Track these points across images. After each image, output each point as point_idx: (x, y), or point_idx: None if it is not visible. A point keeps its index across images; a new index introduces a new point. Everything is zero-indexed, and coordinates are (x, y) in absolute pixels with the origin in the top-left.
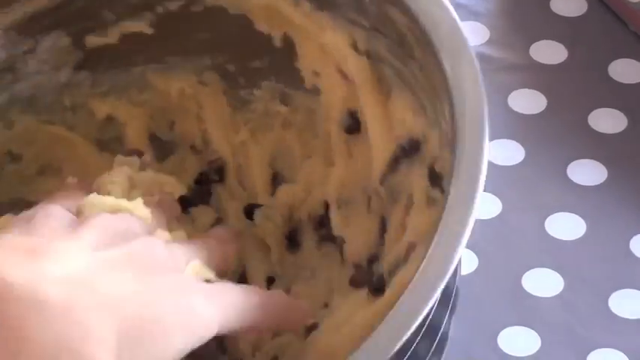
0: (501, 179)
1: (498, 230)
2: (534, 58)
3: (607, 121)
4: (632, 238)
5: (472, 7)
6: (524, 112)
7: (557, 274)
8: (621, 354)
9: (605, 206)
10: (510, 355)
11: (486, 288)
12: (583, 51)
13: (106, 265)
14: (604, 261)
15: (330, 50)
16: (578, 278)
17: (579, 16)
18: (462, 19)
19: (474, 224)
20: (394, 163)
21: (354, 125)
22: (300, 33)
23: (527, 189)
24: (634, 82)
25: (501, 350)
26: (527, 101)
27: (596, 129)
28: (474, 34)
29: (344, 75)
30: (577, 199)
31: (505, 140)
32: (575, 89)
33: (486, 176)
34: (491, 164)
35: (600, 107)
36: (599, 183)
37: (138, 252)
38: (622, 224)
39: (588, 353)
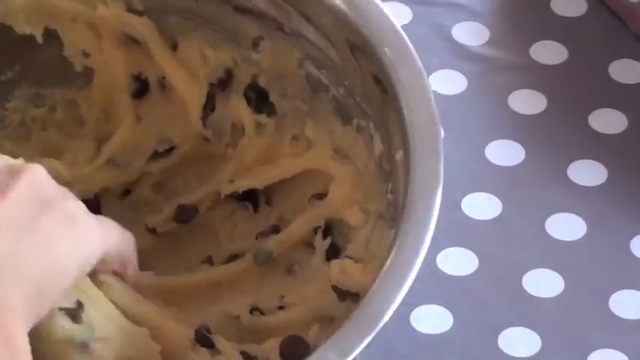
0: (501, 180)
1: (498, 231)
2: (534, 59)
3: (607, 121)
4: (632, 238)
5: (472, 8)
6: (525, 113)
7: (558, 275)
8: (622, 354)
9: (606, 207)
10: (511, 356)
11: (486, 288)
12: (583, 51)
13: None
14: (604, 261)
15: (103, 25)
16: (579, 279)
17: (579, 17)
18: (462, 20)
19: (476, 224)
20: (211, 102)
21: (141, 88)
22: (64, 20)
23: (527, 189)
24: (634, 82)
25: (501, 351)
26: (528, 101)
27: (597, 129)
28: (474, 34)
29: (128, 41)
30: (577, 199)
31: (505, 141)
32: (575, 89)
33: (487, 177)
34: (491, 165)
35: (600, 107)
36: (599, 183)
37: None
38: (622, 225)
39: (589, 354)
